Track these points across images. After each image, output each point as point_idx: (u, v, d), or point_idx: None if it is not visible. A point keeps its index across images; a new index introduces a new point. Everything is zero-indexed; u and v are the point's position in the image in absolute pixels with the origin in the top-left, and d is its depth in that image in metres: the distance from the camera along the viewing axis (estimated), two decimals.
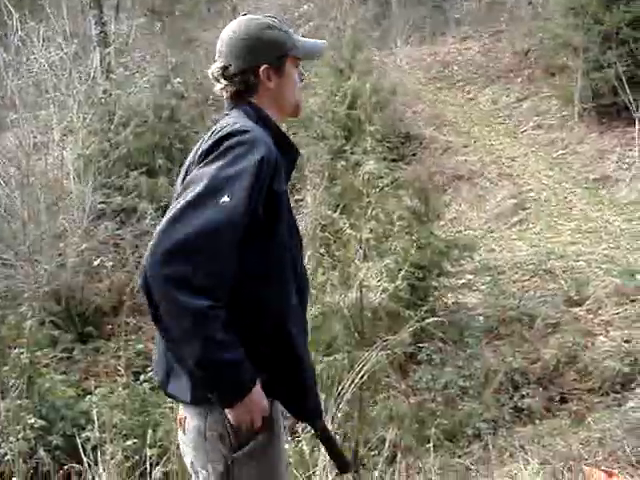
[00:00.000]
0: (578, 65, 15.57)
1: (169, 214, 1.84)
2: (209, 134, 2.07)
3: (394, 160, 13.39)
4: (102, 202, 11.60)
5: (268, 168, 1.91)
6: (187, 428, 1.98)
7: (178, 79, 13.42)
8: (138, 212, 11.32)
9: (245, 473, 1.94)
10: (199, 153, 2.00)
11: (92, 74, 14.01)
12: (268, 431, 1.96)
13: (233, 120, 2.06)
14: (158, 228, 1.84)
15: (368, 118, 11.04)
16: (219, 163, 1.88)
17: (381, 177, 9.20)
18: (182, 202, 1.83)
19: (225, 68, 2.15)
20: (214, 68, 2.18)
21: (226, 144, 1.93)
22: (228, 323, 1.79)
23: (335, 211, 8.53)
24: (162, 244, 1.77)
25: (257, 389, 1.88)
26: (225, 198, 1.81)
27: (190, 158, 2.08)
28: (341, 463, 2.26)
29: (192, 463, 2.03)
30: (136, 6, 18.91)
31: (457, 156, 15.52)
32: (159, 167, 12.33)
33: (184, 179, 2.00)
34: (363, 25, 17.25)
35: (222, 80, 2.16)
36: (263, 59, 2.15)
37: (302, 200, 10.64)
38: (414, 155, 15.27)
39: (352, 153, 11.10)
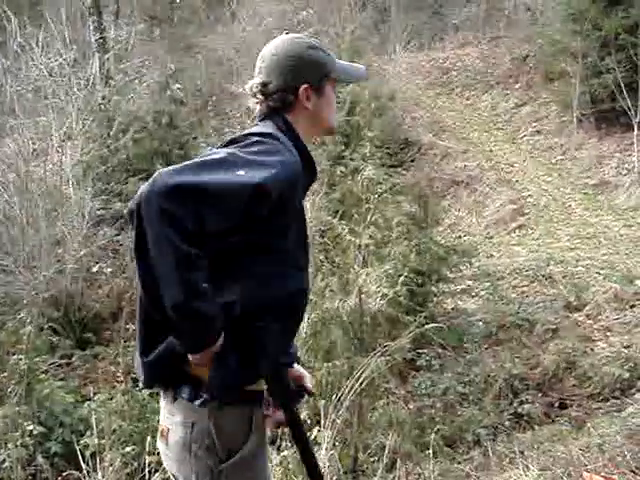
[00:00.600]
0: (577, 71, 15.60)
1: (182, 163, 1.84)
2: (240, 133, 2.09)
3: (393, 166, 13.40)
4: (101, 208, 11.59)
5: (290, 176, 1.92)
6: (170, 440, 1.96)
7: (177, 85, 13.43)
8: None
9: None
10: (227, 140, 2.04)
11: (91, 80, 14.03)
12: (255, 441, 1.95)
13: (262, 126, 2.10)
14: (167, 167, 1.83)
15: (367, 124, 11.07)
16: (244, 148, 1.90)
17: (380, 183, 9.21)
18: (198, 159, 1.86)
19: (265, 85, 2.14)
20: (253, 84, 2.16)
21: (254, 138, 1.96)
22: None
23: (334, 217, 8.54)
24: (170, 179, 1.76)
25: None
26: (241, 172, 1.82)
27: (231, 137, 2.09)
28: (311, 472, 2.16)
29: (174, 475, 2.02)
30: (135, 12, 18.93)
31: (456, 162, 15.53)
32: None
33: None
34: (362, 31, 17.29)
35: (259, 96, 2.15)
36: (304, 79, 2.14)
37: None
38: (413, 161, 15.29)
39: (351, 159, 11.11)
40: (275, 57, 2.15)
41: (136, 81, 14.64)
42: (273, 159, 1.89)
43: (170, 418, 1.95)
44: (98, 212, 11.50)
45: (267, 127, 2.08)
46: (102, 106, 13.57)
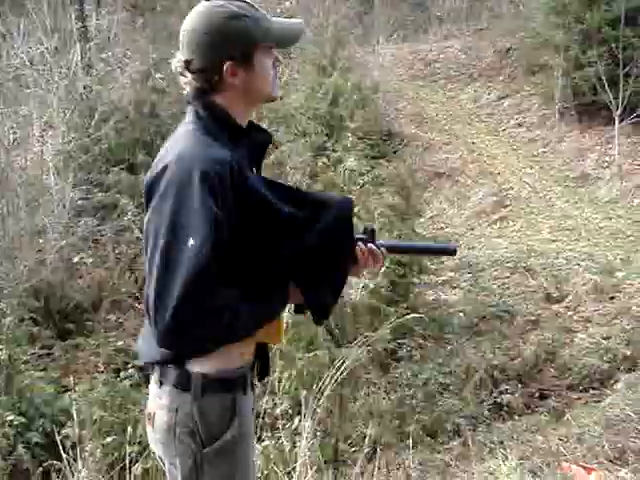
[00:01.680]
0: (559, 64, 15.67)
1: (152, 286, 1.81)
2: (159, 155, 1.99)
3: (375, 157, 13.41)
4: (82, 198, 11.50)
5: (218, 183, 1.83)
6: (156, 423, 1.97)
7: (159, 75, 13.33)
8: (119, 208, 11.25)
9: (214, 469, 1.93)
10: (147, 181, 1.93)
11: (73, 69, 13.90)
12: (238, 428, 1.96)
13: (174, 139, 1.98)
14: (150, 302, 1.81)
15: (350, 115, 11.07)
16: (167, 206, 1.81)
17: (362, 174, 9.23)
18: (155, 267, 1.80)
19: (187, 62, 1.99)
20: (176, 62, 2.02)
21: (168, 177, 1.84)
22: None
23: None
24: (163, 325, 1.79)
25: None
26: (190, 242, 1.76)
27: (147, 176, 1.96)
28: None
29: (161, 458, 2.03)
30: (117, 1, 18.78)
31: (438, 154, 15.57)
32: (140, 163, 12.25)
33: (147, 200, 1.91)
34: (345, 22, 17.24)
35: (186, 74, 2.00)
36: (226, 55, 1.96)
37: None
38: (395, 152, 15.29)
39: (333, 150, 11.11)
40: (193, 32, 1.99)
41: (118, 70, 14.52)
42: (195, 187, 1.80)
43: (156, 402, 1.97)
44: (79, 202, 11.41)
45: (176, 140, 1.97)
46: (83, 95, 13.46)
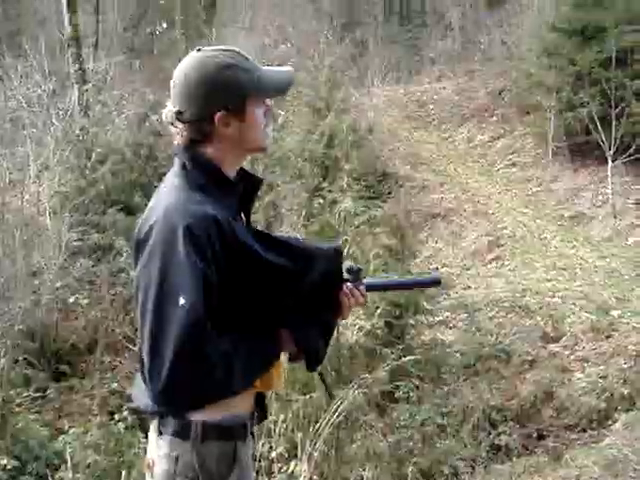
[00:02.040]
0: (551, 104, 15.85)
1: (145, 347, 1.81)
2: (145, 212, 1.99)
3: (370, 198, 13.44)
4: (78, 239, 11.52)
5: (205, 240, 1.82)
6: (156, 472, 1.96)
7: (156, 117, 13.46)
8: (114, 249, 11.26)
9: None
10: (134, 239, 1.95)
11: (70, 111, 14.03)
12: (238, 476, 1.95)
13: (159, 195, 1.98)
14: (144, 363, 1.82)
15: (345, 157, 11.13)
16: (155, 264, 1.81)
17: (357, 215, 9.25)
18: (147, 328, 1.80)
19: (179, 113, 1.98)
20: (166, 112, 2.02)
21: (154, 237, 1.85)
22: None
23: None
24: (157, 386, 1.78)
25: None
26: (181, 301, 1.76)
27: (135, 234, 1.98)
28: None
29: None
30: (115, 44, 19.02)
31: (433, 194, 15.64)
32: (136, 205, 12.30)
33: (136, 258, 1.92)
34: (340, 64, 17.44)
35: (177, 124, 2.00)
36: (219, 105, 1.95)
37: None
38: (390, 193, 15.36)
39: (329, 191, 11.15)
40: (185, 82, 1.97)
41: (115, 112, 14.65)
42: (181, 245, 1.79)
43: (156, 450, 1.96)
44: (75, 243, 11.43)
45: (160, 195, 1.97)
46: (80, 137, 13.55)
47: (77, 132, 13.64)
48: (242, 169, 2.11)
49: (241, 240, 1.92)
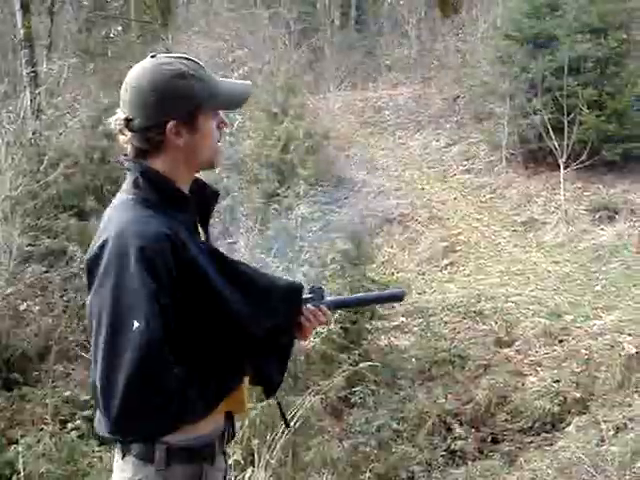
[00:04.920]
0: (505, 112, 16.06)
1: (98, 373, 1.73)
2: (98, 231, 1.91)
3: (326, 204, 13.49)
4: (30, 244, 11.30)
5: (158, 260, 1.75)
6: None
7: (109, 120, 13.28)
8: (67, 255, 11.07)
9: None
10: (86, 260, 1.88)
11: (22, 114, 13.78)
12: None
13: (111, 212, 1.91)
14: (98, 390, 1.75)
15: (301, 162, 11.12)
16: (108, 288, 1.75)
17: (314, 220, 9.26)
18: (100, 354, 1.72)
19: (128, 121, 1.91)
20: (115, 119, 1.95)
21: (105, 257, 1.78)
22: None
23: (268, 255, 8.52)
24: (111, 415, 1.71)
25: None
26: (135, 324, 1.69)
27: (87, 255, 1.89)
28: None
29: None
30: (68, 46, 18.75)
31: (389, 200, 15.71)
32: (90, 209, 12.13)
33: (89, 280, 1.85)
34: (297, 70, 17.45)
35: (126, 132, 1.93)
36: (171, 114, 1.88)
37: (235, 244, 10.62)
38: (346, 199, 15.41)
39: (285, 197, 11.15)
40: (136, 89, 1.90)
41: (68, 116, 14.43)
42: (134, 266, 1.73)
43: (120, 474, 1.90)
44: (26, 248, 11.20)
45: (113, 212, 1.89)
46: (32, 140, 13.32)
47: (29, 136, 13.40)
48: (197, 180, 2.05)
49: (196, 262, 1.85)
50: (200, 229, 2.02)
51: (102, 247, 1.80)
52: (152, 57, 2.00)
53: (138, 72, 1.95)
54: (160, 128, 1.90)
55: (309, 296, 2.16)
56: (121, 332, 1.69)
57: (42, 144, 13.32)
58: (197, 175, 2.05)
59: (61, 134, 13.77)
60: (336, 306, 2.28)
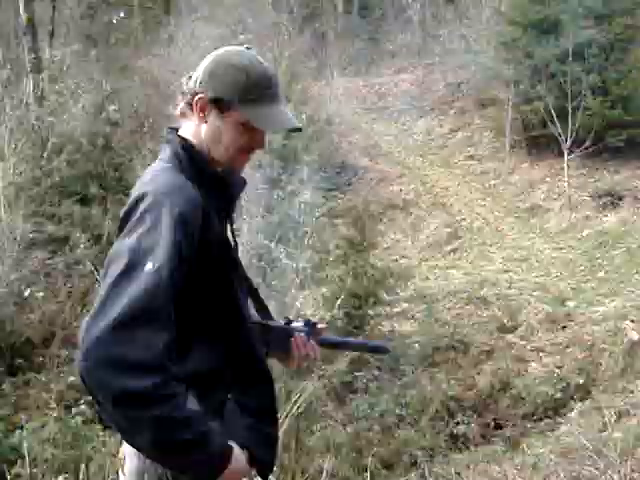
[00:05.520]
0: (509, 97, 16.00)
1: (97, 300, 1.68)
2: (135, 188, 1.90)
3: (330, 190, 13.48)
4: (34, 231, 11.31)
5: (190, 221, 1.77)
6: (127, 468, 1.91)
7: (113, 106, 13.27)
8: (71, 241, 11.08)
9: None
10: (121, 215, 1.84)
11: (25, 100, 13.76)
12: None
13: (151, 174, 1.90)
14: (85, 326, 1.65)
15: (304, 148, 11.10)
16: (137, 232, 1.74)
17: (317, 206, 9.26)
18: (106, 284, 1.68)
19: (189, 78, 1.95)
20: (186, 78, 1.97)
21: (141, 208, 1.77)
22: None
23: (271, 240, 8.53)
24: (92, 329, 1.60)
25: (236, 456, 1.76)
26: (148, 266, 1.67)
27: (123, 209, 1.87)
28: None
29: None
30: (71, 33, 18.70)
31: (392, 186, 15.70)
32: (93, 195, 12.14)
33: (122, 224, 1.84)
34: (300, 56, 17.39)
35: (183, 89, 1.95)
36: (207, 89, 1.89)
37: (238, 230, 10.62)
38: (350, 185, 15.40)
39: (288, 183, 11.14)
40: (217, 58, 1.94)
41: (71, 102, 14.41)
42: (168, 221, 1.72)
43: (127, 447, 1.89)
44: (30, 235, 11.21)
45: (156, 172, 1.89)
46: (35, 127, 13.32)
47: (32, 122, 13.40)
48: (229, 170, 2.02)
49: (214, 243, 1.84)
50: (226, 221, 2.01)
51: (139, 200, 1.80)
52: (247, 49, 2.02)
53: (226, 48, 1.99)
54: (192, 96, 1.92)
55: (302, 327, 2.15)
56: (133, 269, 1.66)
57: (45, 130, 13.31)
58: None
59: (64, 120, 13.75)
60: (327, 344, 2.27)
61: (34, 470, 4.47)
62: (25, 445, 4.94)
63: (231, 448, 1.76)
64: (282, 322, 2.18)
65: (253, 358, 1.96)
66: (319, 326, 2.21)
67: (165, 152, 1.94)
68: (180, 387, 1.66)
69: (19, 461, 5.47)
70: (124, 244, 1.73)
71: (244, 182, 2.10)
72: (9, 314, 10.11)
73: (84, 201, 12.01)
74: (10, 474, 4.61)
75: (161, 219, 1.73)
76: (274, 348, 2.14)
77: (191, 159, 1.91)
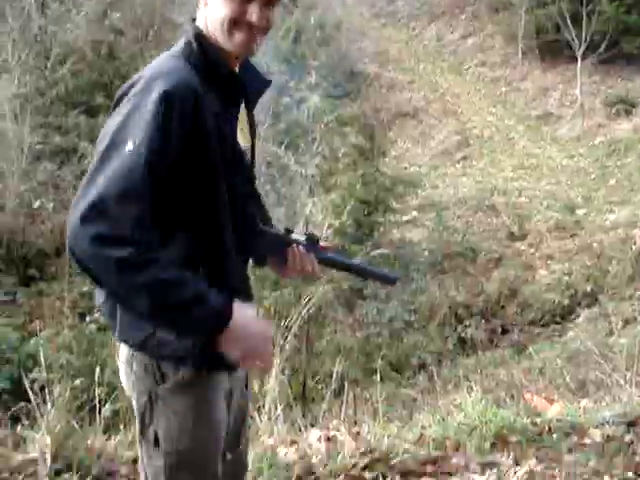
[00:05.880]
0: (522, 2, 15.58)
1: (84, 178, 1.66)
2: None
3: (339, 97, 13.30)
4: (40, 142, 11.27)
5: (177, 101, 1.69)
6: (120, 355, 1.93)
7: (117, 14, 12.99)
8: (78, 152, 11.05)
9: (167, 408, 1.82)
10: (115, 98, 1.77)
11: (26, 10, 13.49)
12: (192, 369, 1.88)
13: (156, 61, 1.83)
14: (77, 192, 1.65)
15: (312, 54, 10.88)
16: (123, 113, 1.70)
17: (325, 113, 9.13)
18: (91, 165, 1.66)
19: None
20: None
21: (132, 91, 1.73)
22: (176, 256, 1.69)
23: (280, 147, 8.45)
24: (75, 210, 1.61)
25: (238, 311, 1.70)
26: (129, 145, 1.64)
27: (118, 92, 1.80)
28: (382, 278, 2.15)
29: (126, 391, 1.99)
30: None
31: (402, 93, 15.49)
32: (99, 106, 12.01)
33: (114, 109, 1.82)
34: None
35: None
36: None
37: None
38: (359, 92, 15.19)
39: (297, 90, 10.97)
40: None
41: (73, 10, 14.11)
42: (154, 99, 1.67)
43: (120, 356, 1.91)
44: (37, 146, 11.18)
45: (159, 58, 1.82)
46: (38, 37, 13.10)
47: (35, 32, 13.17)
48: (249, 65, 1.93)
49: (208, 134, 1.73)
50: (244, 114, 1.95)
51: (132, 85, 1.77)
52: None
53: None
54: None
55: (303, 240, 2.08)
56: (114, 148, 1.65)
57: (48, 40, 13.09)
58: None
59: (67, 30, 13.50)
60: (325, 261, 2.19)
61: (50, 375, 4.55)
62: (41, 352, 5.02)
63: (232, 303, 1.70)
64: (281, 232, 2.11)
65: (229, 270, 1.92)
66: (322, 243, 2.14)
67: (178, 43, 1.88)
68: (163, 253, 1.65)
69: (35, 368, 5.57)
70: (110, 125, 1.71)
71: (266, 81, 1.99)
72: (20, 225, 10.18)
73: (90, 112, 11.91)
74: (27, 379, 4.70)
75: (148, 99, 1.68)
76: (270, 253, 2.09)
77: (201, 47, 1.83)
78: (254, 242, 2.00)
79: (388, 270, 2.34)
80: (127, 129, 1.68)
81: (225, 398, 1.90)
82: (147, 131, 1.66)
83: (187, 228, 1.77)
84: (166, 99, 1.68)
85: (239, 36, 1.79)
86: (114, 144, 1.68)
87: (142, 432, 1.85)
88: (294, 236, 2.06)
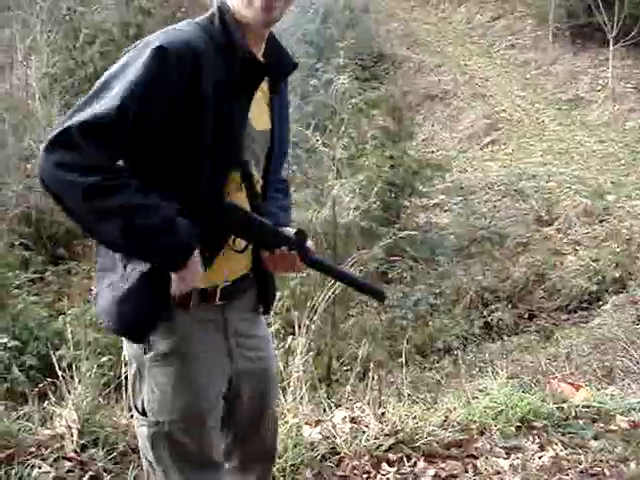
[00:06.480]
0: None
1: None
2: None
3: (366, 79, 13.23)
4: None
5: (171, 56, 1.64)
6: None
7: None
8: None
9: (151, 378, 1.82)
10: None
11: None
12: (174, 345, 1.80)
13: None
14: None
15: (340, 36, 10.83)
16: (121, 62, 1.69)
17: (353, 96, 9.10)
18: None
19: None
20: None
21: (137, 44, 1.72)
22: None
23: (307, 129, 8.42)
24: (48, 138, 1.61)
25: (195, 257, 1.72)
26: (115, 90, 1.63)
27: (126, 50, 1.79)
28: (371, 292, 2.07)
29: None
30: None
31: (430, 76, 15.38)
32: None
33: None
34: None
35: None
36: None
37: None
38: (387, 74, 15.10)
39: (324, 72, 10.93)
40: None
41: None
42: (147, 52, 1.64)
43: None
44: None
45: (178, 24, 1.77)
46: (67, 17, 13.15)
47: (64, 12, 13.22)
48: (276, 46, 1.90)
49: (203, 99, 1.69)
50: (263, 97, 1.90)
51: (136, 45, 1.77)
52: None
53: None
54: None
55: (291, 236, 1.91)
56: (101, 90, 1.65)
57: (77, 21, 13.15)
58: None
59: (95, 10, 13.55)
60: (315, 265, 2.08)
61: (77, 352, 4.60)
62: (69, 329, 5.07)
63: (195, 246, 1.72)
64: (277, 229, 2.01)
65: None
66: (308, 243, 2.04)
67: (203, 16, 1.84)
68: (136, 180, 1.66)
69: (63, 345, 5.63)
70: (104, 74, 1.71)
71: (291, 64, 1.96)
72: (48, 205, 10.26)
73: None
74: (55, 356, 4.75)
75: (144, 52, 1.67)
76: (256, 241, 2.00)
77: (223, 20, 1.80)
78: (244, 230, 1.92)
79: (379, 287, 2.23)
80: (117, 77, 1.66)
81: (218, 331, 1.87)
82: (132, 79, 1.65)
83: (164, 189, 1.72)
84: (159, 53, 1.65)
85: (259, 0, 1.76)
86: (103, 87, 1.67)
87: (133, 401, 1.87)
88: (285, 231, 1.96)
